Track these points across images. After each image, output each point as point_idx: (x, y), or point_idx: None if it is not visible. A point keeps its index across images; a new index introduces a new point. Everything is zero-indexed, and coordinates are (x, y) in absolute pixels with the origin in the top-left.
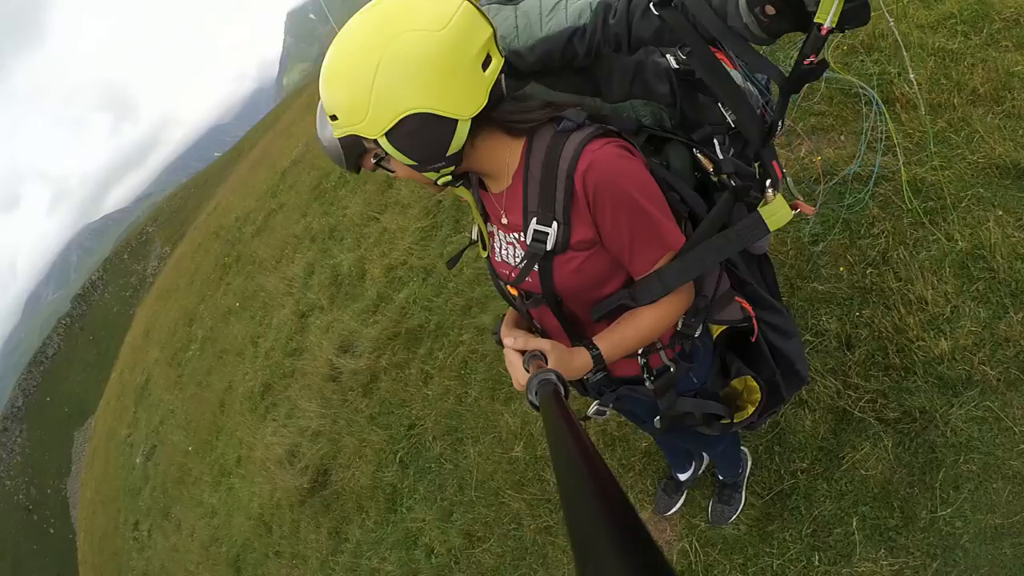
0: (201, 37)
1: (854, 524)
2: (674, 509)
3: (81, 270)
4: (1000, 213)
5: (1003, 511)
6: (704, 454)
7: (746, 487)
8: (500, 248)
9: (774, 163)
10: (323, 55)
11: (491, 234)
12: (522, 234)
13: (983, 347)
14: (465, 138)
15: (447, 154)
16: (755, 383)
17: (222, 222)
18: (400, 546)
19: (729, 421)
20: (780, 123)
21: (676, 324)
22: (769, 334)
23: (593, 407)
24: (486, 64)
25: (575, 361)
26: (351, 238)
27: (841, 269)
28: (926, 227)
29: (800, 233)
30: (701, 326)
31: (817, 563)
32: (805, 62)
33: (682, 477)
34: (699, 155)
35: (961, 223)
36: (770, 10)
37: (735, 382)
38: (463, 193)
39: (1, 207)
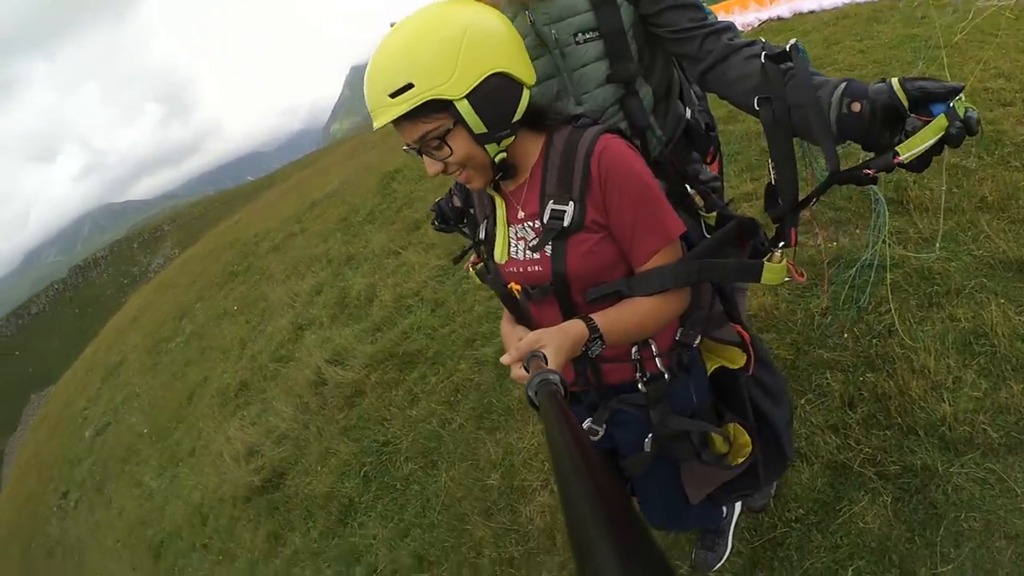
0: (268, 64)
1: None
2: None
3: (88, 244)
4: (1002, 301)
5: (1006, 571)
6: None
7: (733, 533)
8: (512, 245)
9: (792, 229)
10: None
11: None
12: (538, 220)
13: (985, 412)
14: (526, 107)
15: (512, 120)
16: (746, 437)
17: (239, 235)
18: (341, 561)
19: (723, 456)
20: (813, 200)
21: (675, 333)
22: (756, 393)
23: (587, 423)
24: None
25: (570, 332)
26: (368, 266)
27: (845, 336)
28: (931, 308)
29: (811, 306)
30: (700, 338)
31: None
32: (864, 171)
33: None
34: (693, 191)
35: (965, 305)
36: (855, 107)
37: (727, 427)
38: (492, 193)
39: (36, 157)
